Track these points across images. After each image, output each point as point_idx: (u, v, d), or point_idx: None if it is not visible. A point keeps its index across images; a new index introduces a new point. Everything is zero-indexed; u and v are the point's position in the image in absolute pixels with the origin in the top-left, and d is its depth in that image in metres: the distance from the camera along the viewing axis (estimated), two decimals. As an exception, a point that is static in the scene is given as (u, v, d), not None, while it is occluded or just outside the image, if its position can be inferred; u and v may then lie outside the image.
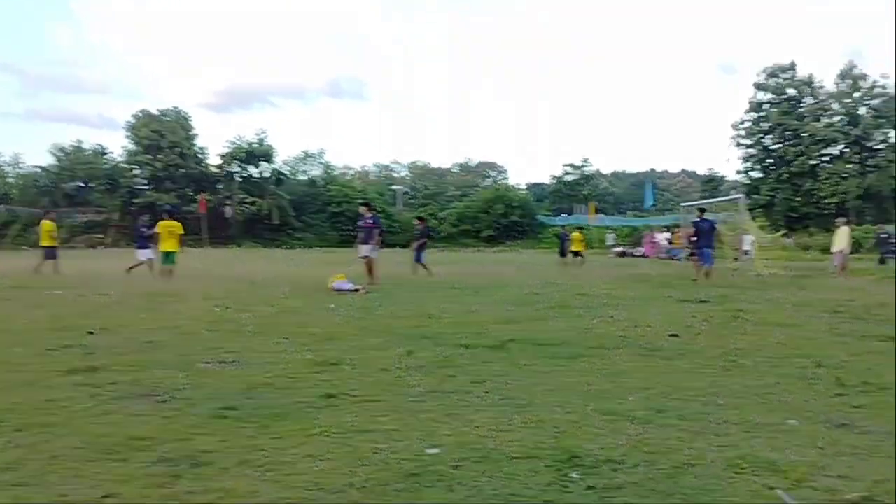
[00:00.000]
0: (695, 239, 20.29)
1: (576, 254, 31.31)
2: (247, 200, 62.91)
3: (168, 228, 19.05)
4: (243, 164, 66.82)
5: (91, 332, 9.20)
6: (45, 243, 20.84)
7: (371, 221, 18.71)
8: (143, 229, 21.27)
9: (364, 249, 18.17)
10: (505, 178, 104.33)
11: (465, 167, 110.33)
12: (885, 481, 3.97)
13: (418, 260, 22.08)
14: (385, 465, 4.24)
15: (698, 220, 20.76)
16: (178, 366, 7.13)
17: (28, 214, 58.11)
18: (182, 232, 19.38)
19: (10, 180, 66.40)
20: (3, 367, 7.00)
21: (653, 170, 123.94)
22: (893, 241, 27.72)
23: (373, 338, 9.07)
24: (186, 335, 9.17)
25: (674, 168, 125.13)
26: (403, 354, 7.80)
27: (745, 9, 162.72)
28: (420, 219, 26.34)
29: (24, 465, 4.20)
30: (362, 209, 19.50)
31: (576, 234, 33.04)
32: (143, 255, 20.73)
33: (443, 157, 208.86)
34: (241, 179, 66.49)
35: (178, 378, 6.55)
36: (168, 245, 18.88)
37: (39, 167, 67.59)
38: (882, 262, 26.33)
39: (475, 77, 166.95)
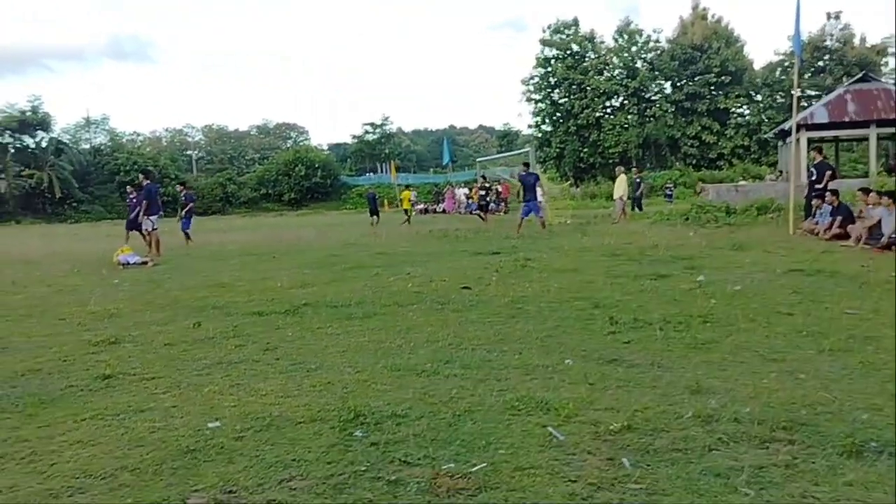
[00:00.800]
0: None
1: (405, 212, 31.56)
2: (23, 173, 57.51)
3: None
4: (16, 134, 60.77)
5: None
6: None
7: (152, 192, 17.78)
8: None
9: (147, 222, 17.17)
10: (306, 140, 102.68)
11: (263, 129, 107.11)
12: (645, 409, 4.33)
13: (186, 228, 22.06)
14: (162, 443, 4.06)
15: (524, 174, 21.45)
16: (-72, 359, 6.41)
17: None
18: None
19: None
20: None
21: (452, 126, 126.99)
22: (642, 186, 30.01)
23: (159, 312, 8.64)
24: (-58, 325, 8.26)
25: (472, 124, 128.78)
26: (190, 327, 7.50)
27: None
28: (183, 184, 25.82)
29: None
30: (142, 179, 18.44)
31: (406, 193, 33.15)
32: None
33: (240, 119, 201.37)
34: (14, 151, 60.47)
35: (-73, 373, 5.90)
36: None
37: None
38: (637, 206, 28.38)
39: (270, 35, 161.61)
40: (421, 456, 3.73)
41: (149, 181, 17.98)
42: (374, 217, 30.56)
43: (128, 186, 23.46)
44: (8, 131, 60.30)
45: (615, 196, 25.68)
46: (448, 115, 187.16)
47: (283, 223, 38.40)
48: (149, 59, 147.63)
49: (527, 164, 23.36)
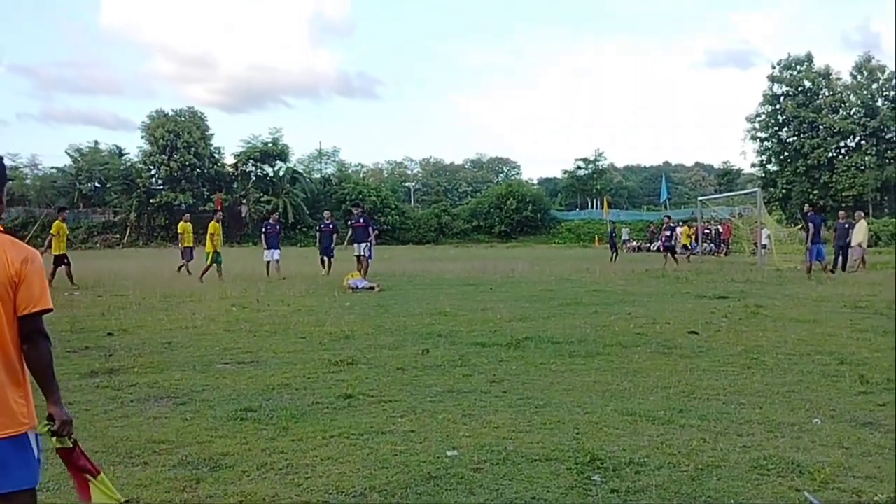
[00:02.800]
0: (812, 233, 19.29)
1: (685, 247, 31.09)
2: (262, 199, 63.00)
3: (209, 230, 18.62)
4: (258, 164, 66.96)
5: (110, 334, 9.25)
6: (56, 251, 17.24)
7: (362, 221, 18.98)
8: (275, 227, 20.75)
9: (359, 248, 18.32)
10: (517, 174, 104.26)
11: (476, 163, 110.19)
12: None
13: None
14: (405, 467, 4.23)
15: (811, 214, 20.35)
16: (196, 367, 7.16)
17: (45, 216, 58.53)
18: (215, 232, 18.62)
19: (27, 182, 66.74)
20: (22, 369, 7.02)
21: (667, 163, 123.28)
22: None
23: (389, 336, 9.07)
24: (204, 336, 9.20)
25: (688, 161, 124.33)
26: (419, 353, 7.79)
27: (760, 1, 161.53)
28: (357, 205, 20.94)
29: (45, 468, 4.20)
30: (353, 209, 19.90)
31: (684, 229, 32.27)
32: (271, 255, 20.03)
33: (455, 153, 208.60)
34: (255, 178, 66.64)
35: (196, 379, 6.58)
36: (210, 246, 18.44)
37: (56, 168, 68.15)
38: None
39: (487, 72, 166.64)
40: (666, 509, 3.59)
41: (360, 210, 19.24)
42: (614, 253, 30.49)
43: (352, 208, 21.86)
44: (251, 160, 66.51)
45: (854, 243, 23.58)
46: (663, 152, 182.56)
47: (494, 255, 39.07)
48: (375, 95, 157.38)
49: (813, 204, 22.05)
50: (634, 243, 47.48)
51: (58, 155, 78.65)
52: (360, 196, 61.25)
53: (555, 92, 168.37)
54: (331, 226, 21.33)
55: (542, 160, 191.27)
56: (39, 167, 70.44)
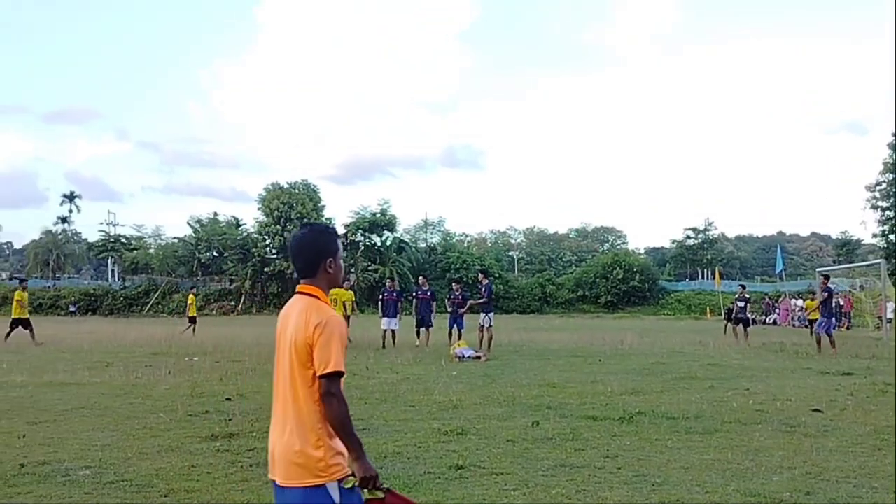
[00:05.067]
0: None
1: (810, 322, 29.63)
2: (369, 268, 64.53)
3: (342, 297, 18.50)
4: (367, 234, 68.87)
5: (228, 399, 9.58)
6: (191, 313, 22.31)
7: (484, 290, 18.17)
8: (392, 294, 20.23)
9: (484, 318, 17.84)
10: (624, 243, 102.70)
11: (581, 232, 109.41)
12: None
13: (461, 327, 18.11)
14: (519, 542, 4.17)
15: None
16: (310, 433, 7.30)
17: (166, 283, 61.79)
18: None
19: (151, 251, 70.76)
20: (148, 432, 7.38)
21: (781, 233, 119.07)
22: None
23: (497, 407, 9.01)
24: (316, 402, 9.37)
25: (804, 231, 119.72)
26: (529, 425, 7.70)
27: (873, 67, 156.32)
28: (484, 272, 20.11)
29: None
30: (481, 277, 19.10)
31: (809, 303, 30.07)
32: (389, 323, 19.32)
33: (559, 222, 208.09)
34: (363, 248, 68.44)
35: (310, 445, 6.71)
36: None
37: (178, 238, 72.00)
38: None
39: (591, 140, 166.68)
40: None
41: (488, 280, 18.64)
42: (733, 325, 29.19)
43: (421, 278, 21.84)
44: (360, 230, 68.49)
45: None
46: (776, 221, 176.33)
47: (601, 325, 38.40)
48: (478, 166, 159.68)
49: None
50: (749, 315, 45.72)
51: (179, 225, 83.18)
52: (464, 264, 61.81)
53: (663, 159, 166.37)
54: (428, 293, 19.99)
55: (649, 230, 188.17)
56: (162, 237, 74.68)
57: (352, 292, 19.03)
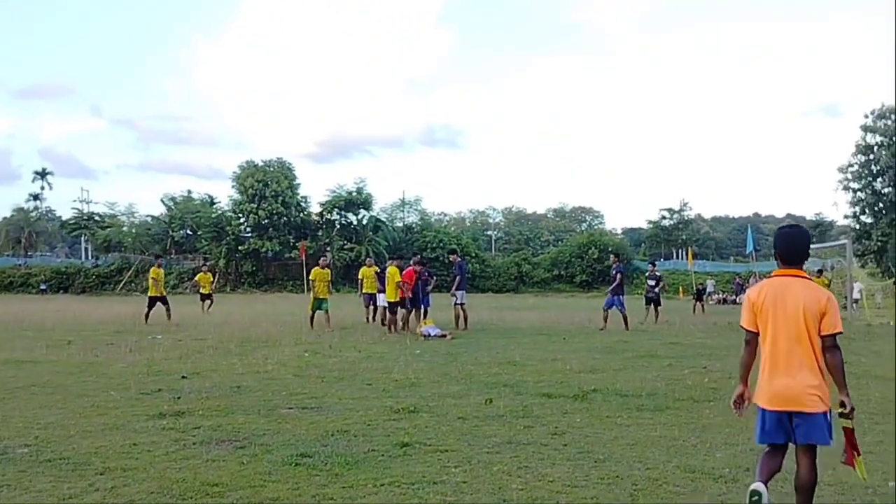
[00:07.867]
0: None
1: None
2: (345, 247, 64.22)
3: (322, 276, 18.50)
4: (343, 212, 68.48)
5: (184, 377, 9.50)
6: (152, 292, 20.10)
7: (456, 268, 18.62)
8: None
9: (459, 296, 18.00)
10: (601, 224, 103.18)
11: (559, 212, 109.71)
12: None
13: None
14: (451, 520, 4.15)
15: None
16: (260, 411, 7.27)
17: (139, 262, 61.14)
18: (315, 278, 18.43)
19: (124, 229, 69.87)
20: (95, 410, 7.29)
21: (757, 214, 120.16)
22: None
23: (454, 385, 9.01)
24: (273, 380, 9.35)
25: (779, 213, 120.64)
26: (482, 403, 7.71)
27: (848, 50, 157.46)
28: (453, 251, 20.59)
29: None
30: (452, 257, 19.46)
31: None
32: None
33: (538, 202, 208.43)
34: (339, 227, 68.09)
35: (259, 423, 6.68)
36: (323, 293, 18.31)
37: (151, 216, 71.13)
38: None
39: (568, 120, 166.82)
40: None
41: (460, 259, 18.81)
42: (698, 304, 30.07)
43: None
44: (336, 209, 68.10)
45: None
46: (752, 203, 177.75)
47: (573, 304, 38.64)
48: (457, 146, 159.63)
49: None
50: (721, 295, 46.20)
51: (153, 203, 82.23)
52: (441, 244, 61.76)
53: (640, 141, 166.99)
54: (426, 273, 18.56)
55: (627, 210, 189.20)
56: (136, 215, 73.73)
57: (328, 270, 18.91)
